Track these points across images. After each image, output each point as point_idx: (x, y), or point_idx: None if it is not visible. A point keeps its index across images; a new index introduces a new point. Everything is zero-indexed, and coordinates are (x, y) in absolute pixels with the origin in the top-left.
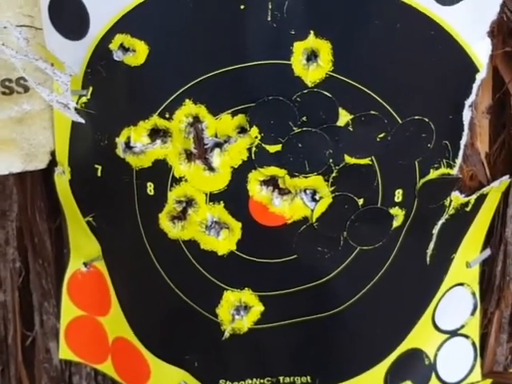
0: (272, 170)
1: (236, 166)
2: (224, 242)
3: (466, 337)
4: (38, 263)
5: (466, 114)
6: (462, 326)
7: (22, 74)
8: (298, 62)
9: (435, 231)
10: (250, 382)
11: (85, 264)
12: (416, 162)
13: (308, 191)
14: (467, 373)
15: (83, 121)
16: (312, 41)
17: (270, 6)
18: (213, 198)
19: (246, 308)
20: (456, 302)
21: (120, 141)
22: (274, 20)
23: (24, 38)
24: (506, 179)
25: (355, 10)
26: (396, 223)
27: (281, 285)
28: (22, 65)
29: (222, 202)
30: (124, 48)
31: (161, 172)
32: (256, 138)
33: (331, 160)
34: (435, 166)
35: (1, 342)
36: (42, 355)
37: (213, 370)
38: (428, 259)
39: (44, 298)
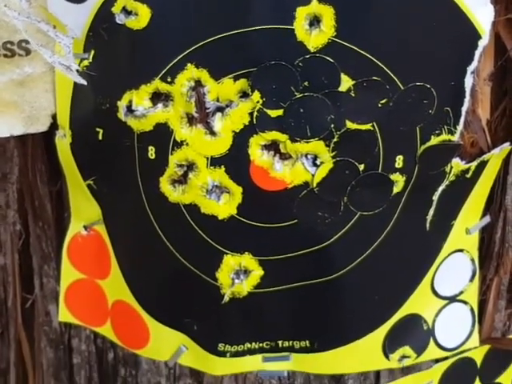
0: (273, 135)
1: (237, 131)
2: (224, 206)
3: (465, 303)
4: (38, 226)
5: (468, 81)
6: (461, 292)
7: (23, 37)
8: (300, 27)
9: (435, 197)
10: (249, 345)
11: (85, 227)
12: (417, 129)
13: (309, 156)
14: (465, 338)
15: (85, 82)
16: (315, 6)
17: None
18: (214, 162)
19: (246, 272)
20: (455, 268)
21: (121, 104)
22: None
23: (26, 0)
24: (506, 146)
25: None
26: (396, 189)
27: (281, 249)
28: (23, 26)
29: (222, 166)
30: (126, 11)
31: (162, 136)
32: (258, 102)
33: (333, 125)
34: (436, 132)
35: (0, 304)
36: (41, 318)
37: (212, 334)
38: (428, 225)
39: (44, 261)
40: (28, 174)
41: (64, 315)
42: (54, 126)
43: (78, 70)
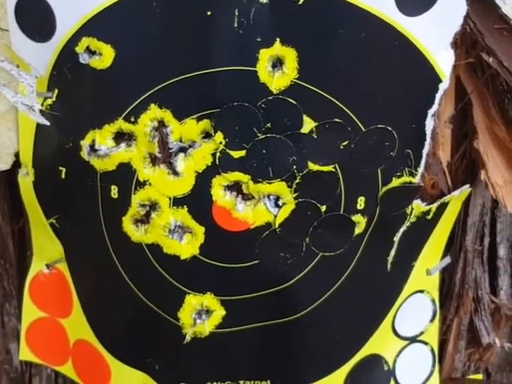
0: (236, 176)
1: (200, 171)
2: (187, 246)
3: (425, 343)
4: (0, 264)
5: (429, 124)
6: (422, 333)
7: None
8: (263, 68)
9: (396, 239)
10: None
11: (47, 266)
12: (379, 170)
13: (271, 197)
14: (425, 379)
15: (48, 123)
16: (278, 48)
17: (236, 13)
18: (176, 202)
19: (208, 312)
20: (416, 309)
21: (85, 143)
22: (240, 27)
23: None
24: (466, 188)
25: (320, 18)
26: (358, 230)
27: (243, 289)
28: None
29: (185, 206)
30: (90, 51)
31: (125, 175)
32: (220, 143)
33: (295, 166)
34: (397, 174)
35: None
36: (2, 356)
37: (174, 374)
38: (389, 266)
39: (5, 299)
40: None
41: (25, 354)
42: (16, 164)
43: (40, 110)
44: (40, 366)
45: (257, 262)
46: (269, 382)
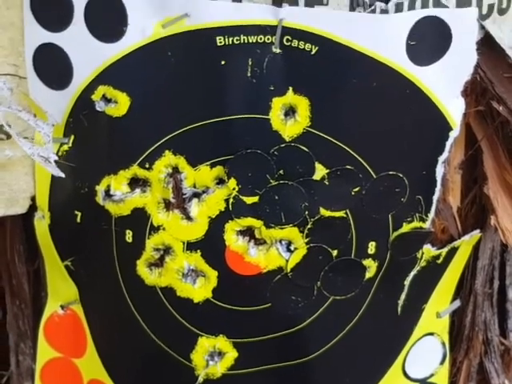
0: (248, 221)
1: (213, 216)
2: (200, 290)
3: None
4: (15, 304)
5: (439, 170)
6: (432, 375)
7: (3, 123)
8: (276, 116)
9: (407, 282)
10: None
11: (62, 307)
12: (389, 216)
13: (283, 242)
14: None
15: (63, 175)
16: (290, 97)
17: (249, 63)
18: (190, 246)
19: (220, 354)
20: (426, 351)
21: (100, 189)
22: (253, 76)
23: (8, 88)
24: (476, 233)
25: (333, 68)
26: (369, 274)
27: (255, 332)
28: (4, 115)
29: (198, 250)
30: (106, 99)
31: (139, 220)
32: (234, 189)
33: (307, 212)
34: (408, 219)
35: None
36: None
37: None
38: (399, 309)
39: (20, 339)
40: (6, 253)
41: None
42: (32, 207)
43: (56, 161)
44: None
45: (269, 305)
46: None
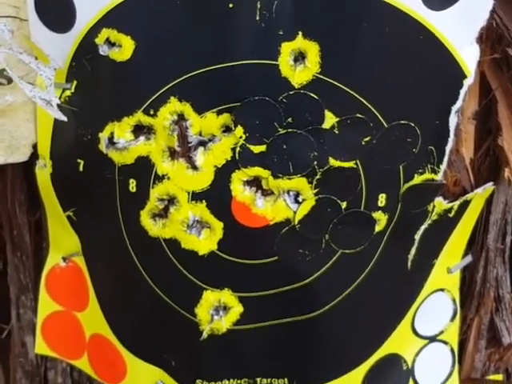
0: (256, 171)
1: (220, 166)
2: (205, 242)
3: (445, 343)
4: (16, 256)
5: (453, 120)
6: (441, 332)
7: (4, 66)
8: (285, 62)
9: (417, 236)
10: (227, 382)
11: (64, 259)
12: (400, 167)
13: (291, 193)
14: (445, 379)
15: (65, 118)
16: (300, 42)
17: (258, 6)
18: (195, 196)
19: (226, 308)
20: (436, 308)
21: (103, 136)
22: (262, 20)
23: (9, 30)
24: (489, 186)
25: (344, 12)
26: (378, 227)
27: (261, 286)
28: (5, 57)
29: (204, 201)
30: (110, 43)
31: (143, 169)
32: (241, 137)
33: (315, 162)
34: (419, 171)
35: None
36: (17, 349)
37: (190, 370)
38: (409, 264)
39: (21, 292)
40: (7, 203)
41: (40, 347)
42: (34, 156)
43: (58, 105)
44: (55, 360)
45: (275, 258)
46: (286, 380)
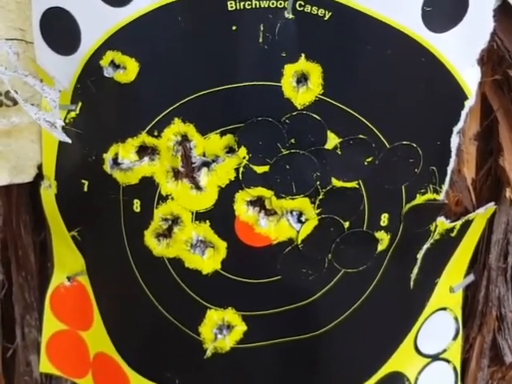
0: (259, 191)
1: (223, 186)
2: (209, 261)
3: (448, 361)
4: (21, 276)
5: (454, 141)
6: (444, 351)
7: (9, 89)
8: (288, 84)
9: (420, 256)
10: None
11: (68, 278)
12: (403, 187)
13: (294, 213)
14: None
15: (70, 140)
16: (303, 64)
17: (261, 28)
18: (199, 216)
19: (229, 327)
20: (438, 327)
21: (108, 157)
22: (265, 42)
23: (14, 53)
24: (491, 206)
25: (346, 34)
26: (381, 247)
27: (264, 305)
28: (10, 80)
29: (207, 221)
30: (115, 65)
31: (147, 189)
32: (244, 158)
33: (318, 182)
34: (422, 191)
35: None
36: (22, 368)
37: None
38: (412, 283)
39: (26, 311)
40: (12, 223)
41: (45, 366)
42: (39, 176)
43: (63, 127)
44: (60, 379)
45: (279, 277)
46: None
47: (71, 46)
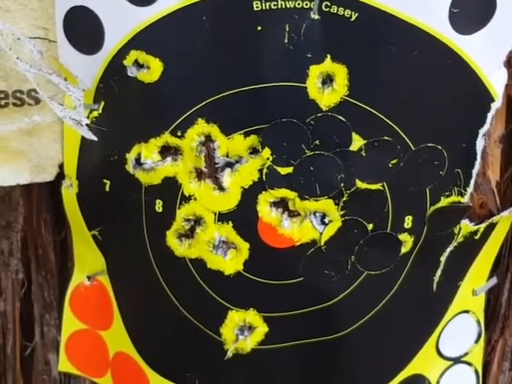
0: (282, 192)
1: (246, 187)
2: (231, 262)
3: (469, 364)
4: (40, 275)
5: (480, 143)
6: (466, 354)
7: (33, 86)
8: (313, 85)
9: (443, 258)
10: None
11: (88, 277)
12: (427, 189)
13: (317, 214)
14: None
15: (95, 138)
16: (328, 65)
17: (287, 29)
18: (221, 217)
19: (250, 328)
20: (461, 330)
21: (130, 157)
22: (290, 42)
23: (38, 51)
24: None
25: (373, 35)
26: (404, 249)
27: (286, 306)
28: (34, 78)
29: (230, 222)
30: (138, 64)
31: (170, 189)
32: (268, 159)
33: (342, 184)
34: (446, 193)
35: None
36: (41, 366)
37: None
38: (435, 286)
39: (45, 310)
40: (32, 222)
41: (64, 365)
42: (60, 176)
43: (88, 125)
44: (79, 378)
45: (301, 279)
46: None
47: (94, 45)
